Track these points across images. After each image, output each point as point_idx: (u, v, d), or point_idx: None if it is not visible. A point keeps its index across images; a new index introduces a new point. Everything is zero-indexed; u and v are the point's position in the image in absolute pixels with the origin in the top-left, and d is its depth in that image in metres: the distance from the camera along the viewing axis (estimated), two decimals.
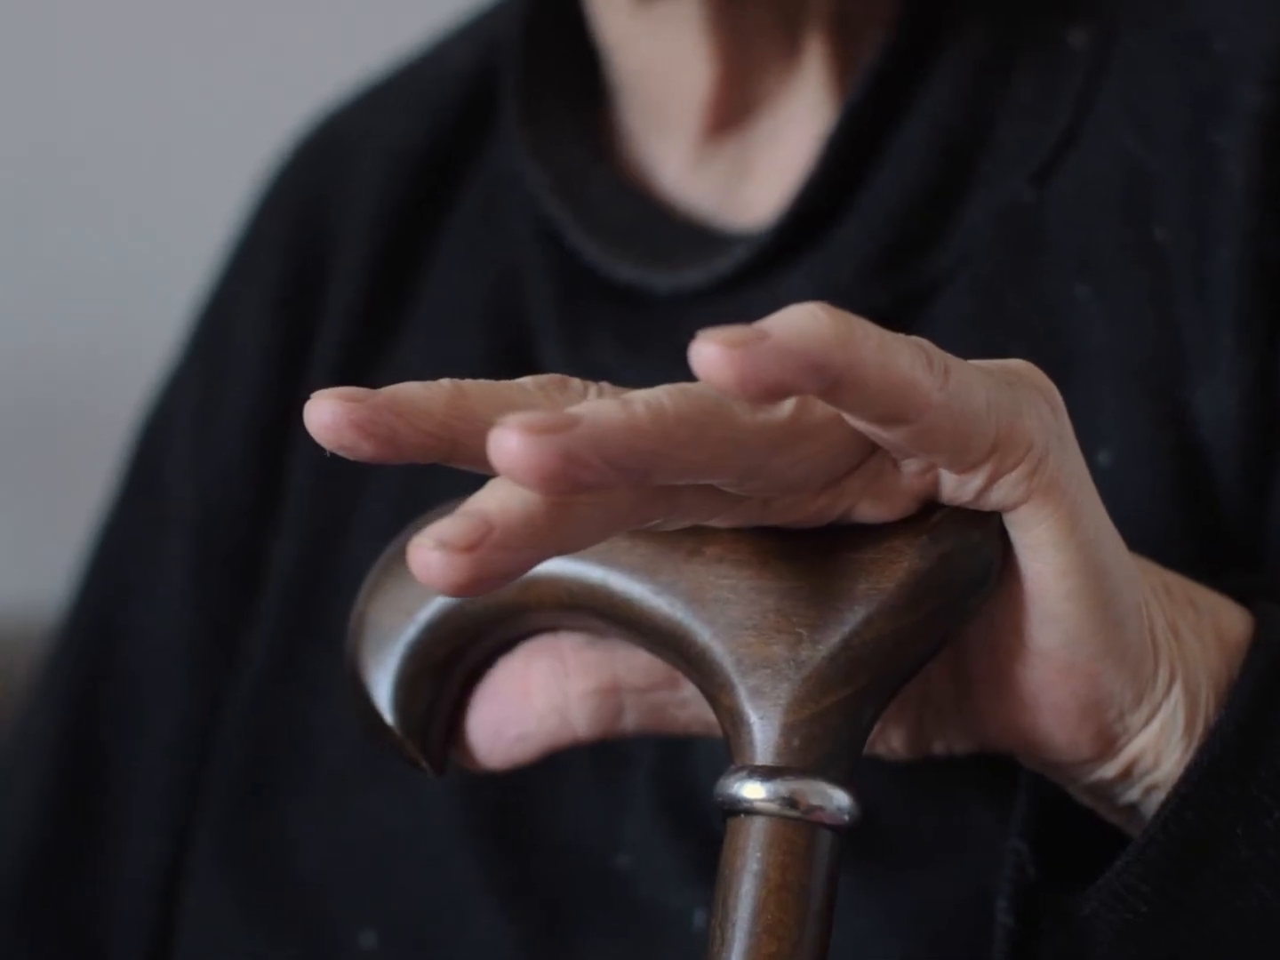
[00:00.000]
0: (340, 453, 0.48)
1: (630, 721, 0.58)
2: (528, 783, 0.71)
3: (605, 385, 0.51)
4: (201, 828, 0.77)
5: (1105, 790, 0.57)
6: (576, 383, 0.51)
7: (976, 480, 0.50)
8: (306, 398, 0.78)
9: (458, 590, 0.45)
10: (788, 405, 0.48)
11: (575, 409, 0.45)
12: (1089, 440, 0.66)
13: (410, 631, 0.57)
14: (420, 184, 0.81)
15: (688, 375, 0.70)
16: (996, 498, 0.51)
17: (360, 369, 0.79)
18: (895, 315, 0.70)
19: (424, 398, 0.48)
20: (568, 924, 0.70)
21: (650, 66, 0.75)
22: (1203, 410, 0.67)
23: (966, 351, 0.68)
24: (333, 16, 1.34)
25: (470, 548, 0.45)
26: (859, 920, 0.65)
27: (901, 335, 0.47)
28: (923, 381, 0.47)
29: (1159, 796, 0.56)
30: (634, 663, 0.58)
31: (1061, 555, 0.52)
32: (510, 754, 0.59)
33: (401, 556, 0.56)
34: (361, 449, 0.48)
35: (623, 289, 0.74)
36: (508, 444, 0.44)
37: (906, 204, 0.71)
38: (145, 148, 1.34)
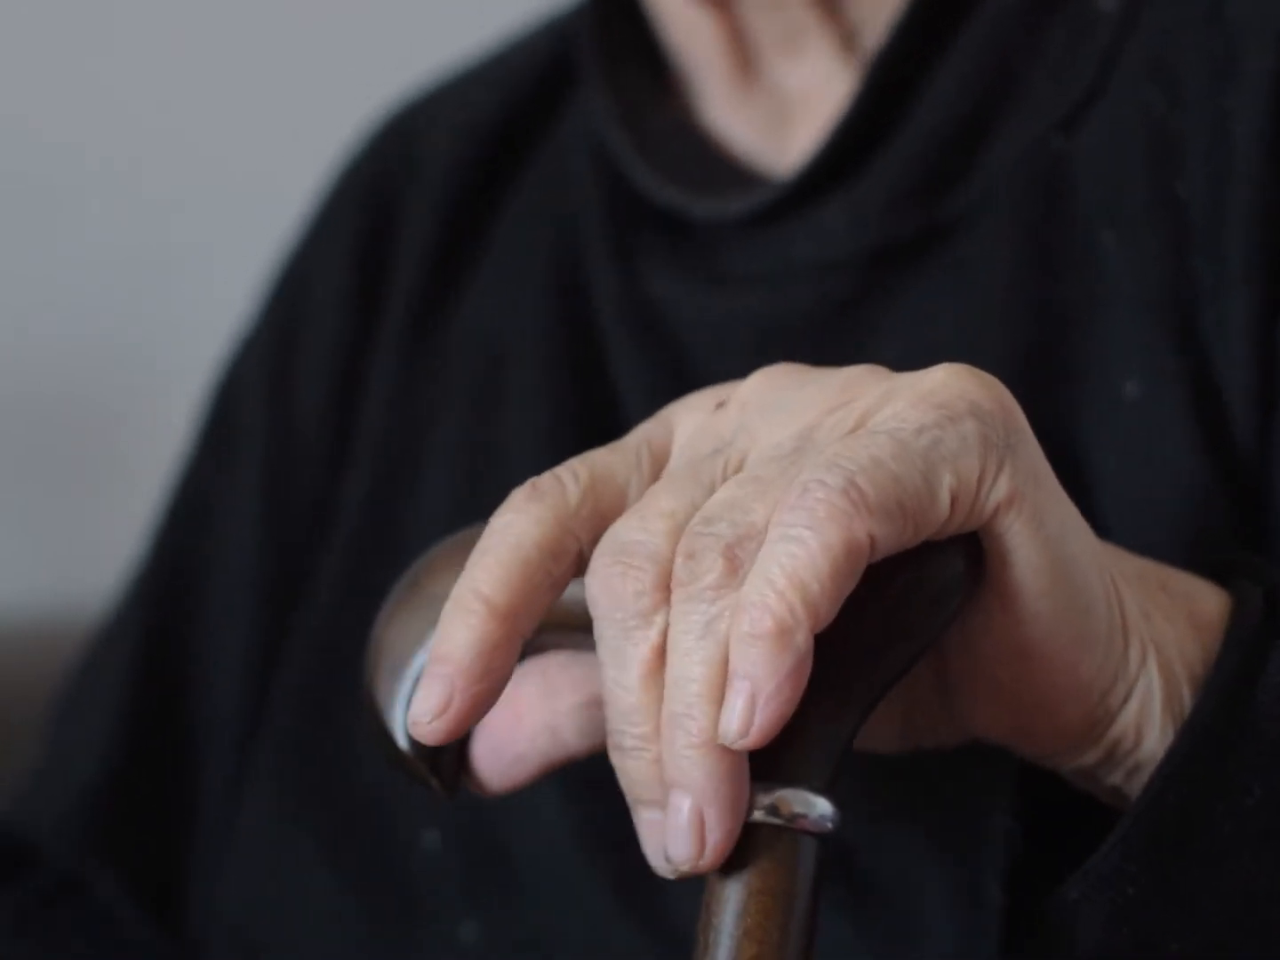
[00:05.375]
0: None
1: None
2: None
3: None
4: (264, 740, 0.80)
5: (1090, 773, 0.59)
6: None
7: (950, 529, 0.53)
8: (379, 343, 0.84)
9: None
10: None
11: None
12: (1118, 372, 0.71)
13: (422, 659, 0.58)
14: (492, 149, 0.86)
15: (727, 300, 0.76)
16: (965, 526, 0.53)
17: (430, 316, 0.84)
18: (923, 246, 0.74)
19: None
20: None
21: (673, 18, 0.80)
22: (1213, 342, 0.70)
23: (1002, 282, 0.73)
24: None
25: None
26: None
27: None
28: (860, 540, 0.50)
29: (1142, 778, 0.57)
30: None
31: (1032, 556, 0.54)
32: (512, 776, 0.60)
33: (415, 589, 0.59)
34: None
35: (668, 215, 0.78)
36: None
37: (935, 143, 0.75)
38: (159, 141, 1.34)
